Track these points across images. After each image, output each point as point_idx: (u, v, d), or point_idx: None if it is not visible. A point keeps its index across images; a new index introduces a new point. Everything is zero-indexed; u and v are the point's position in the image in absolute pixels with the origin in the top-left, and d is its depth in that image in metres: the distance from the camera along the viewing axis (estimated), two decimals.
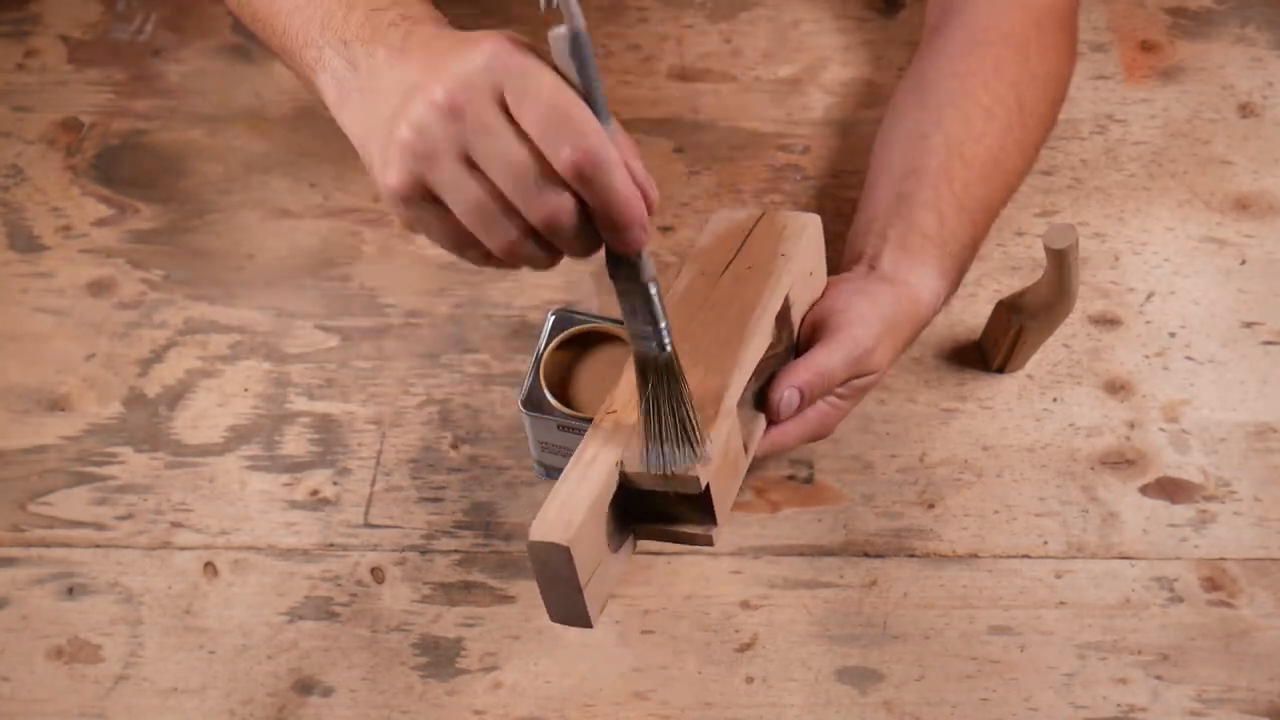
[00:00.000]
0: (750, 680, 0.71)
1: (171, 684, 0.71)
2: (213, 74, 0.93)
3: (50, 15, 0.96)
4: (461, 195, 0.49)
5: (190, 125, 0.91)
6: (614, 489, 0.58)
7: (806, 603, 0.73)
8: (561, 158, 0.47)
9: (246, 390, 0.81)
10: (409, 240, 0.86)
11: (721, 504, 0.59)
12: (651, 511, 0.60)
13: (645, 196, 0.49)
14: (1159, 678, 0.71)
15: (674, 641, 0.72)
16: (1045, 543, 0.75)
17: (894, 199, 0.73)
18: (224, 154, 0.90)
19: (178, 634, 0.73)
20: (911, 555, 0.75)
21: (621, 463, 0.58)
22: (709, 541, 0.60)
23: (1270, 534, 0.75)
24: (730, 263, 0.65)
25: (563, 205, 0.48)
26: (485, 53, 0.48)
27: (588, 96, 0.48)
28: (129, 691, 0.71)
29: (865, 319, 0.65)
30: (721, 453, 0.58)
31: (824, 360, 0.64)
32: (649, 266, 0.52)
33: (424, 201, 0.51)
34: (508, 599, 0.74)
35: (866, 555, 0.75)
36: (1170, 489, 0.77)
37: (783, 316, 0.64)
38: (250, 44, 0.94)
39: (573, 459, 0.59)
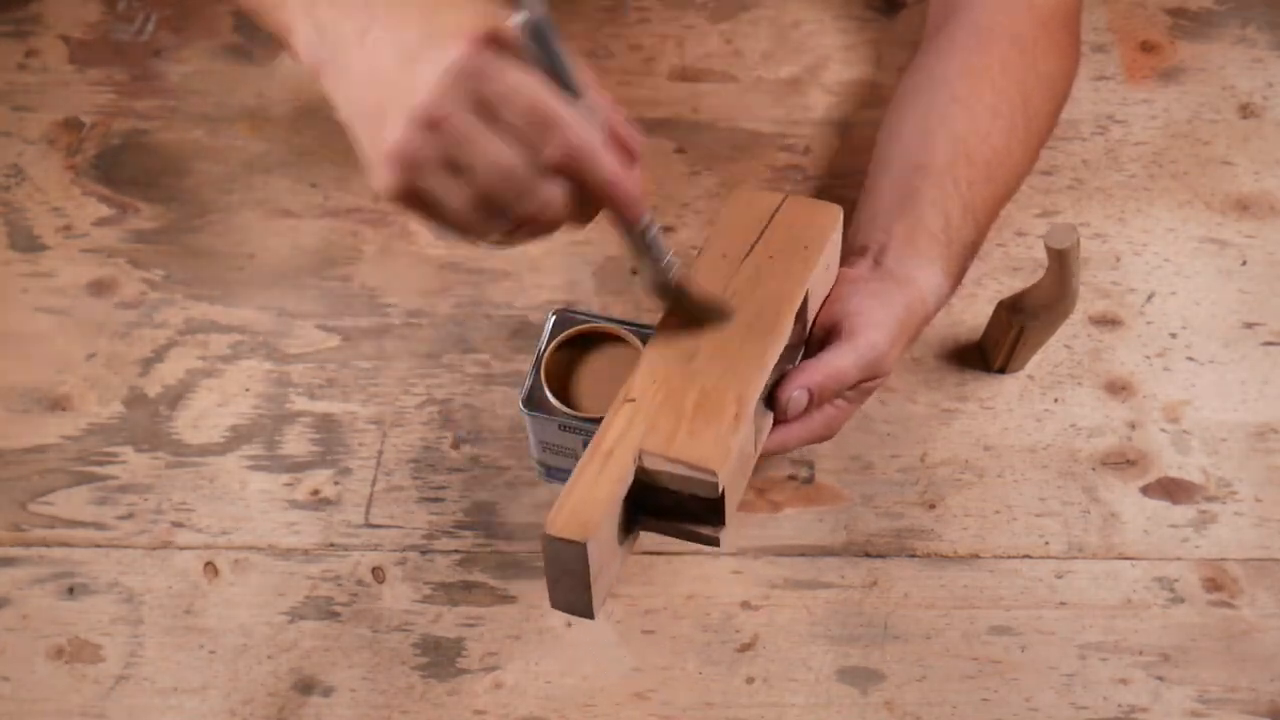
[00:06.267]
0: (751, 680, 0.71)
1: (172, 684, 0.71)
2: (213, 74, 0.93)
3: (51, 15, 0.96)
4: (451, 200, 0.51)
5: (191, 125, 0.91)
6: (629, 485, 0.58)
7: (807, 603, 0.73)
8: (546, 157, 0.49)
9: (247, 390, 0.81)
10: (410, 240, 0.86)
11: (730, 505, 0.59)
12: (661, 507, 0.60)
13: (630, 151, 0.52)
14: (1160, 678, 0.71)
15: (675, 642, 0.72)
16: (1046, 543, 0.75)
17: (899, 194, 0.73)
18: (224, 154, 0.90)
19: (178, 634, 0.73)
20: (912, 555, 0.75)
21: (640, 459, 0.57)
22: (716, 543, 0.60)
23: (1271, 534, 0.75)
24: (752, 248, 0.65)
25: (554, 195, 0.51)
26: (456, 60, 0.49)
27: (557, 77, 0.50)
28: (129, 691, 0.71)
29: (880, 323, 0.65)
30: (737, 455, 0.58)
31: (837, 362, 0.64)
32: (651, 226, 0.57)
33: (415, 204, 0.52)
34: (508, 599, 0.74)
35: (867, 555, 0.75)
36: (1171, 489, 0.77)
37: (800, 312, 0.64)
38: (251, 44, 0.94)
39: (590, 447, 0.58)
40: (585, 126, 0.50)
